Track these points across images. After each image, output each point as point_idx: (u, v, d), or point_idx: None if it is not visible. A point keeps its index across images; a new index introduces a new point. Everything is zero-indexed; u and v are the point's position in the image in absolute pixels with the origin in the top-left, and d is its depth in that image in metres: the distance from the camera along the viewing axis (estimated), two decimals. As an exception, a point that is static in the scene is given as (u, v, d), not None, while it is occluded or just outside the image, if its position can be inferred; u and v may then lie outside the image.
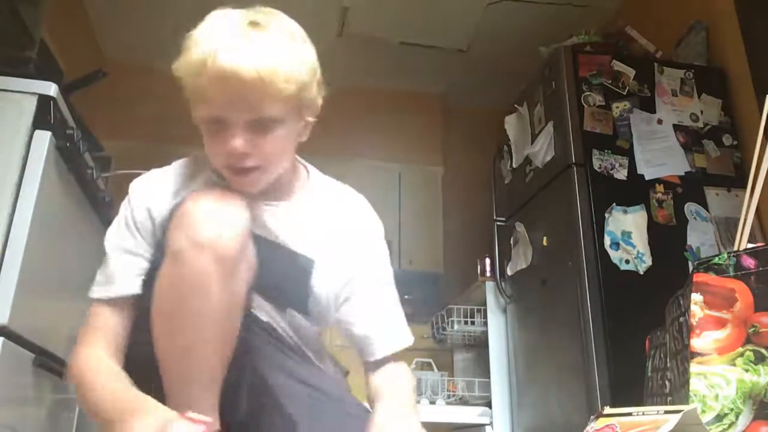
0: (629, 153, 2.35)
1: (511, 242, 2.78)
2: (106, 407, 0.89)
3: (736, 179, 2.38)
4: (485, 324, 2.88)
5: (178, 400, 0.89)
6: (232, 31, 0.93)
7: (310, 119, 1.05)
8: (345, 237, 1.12)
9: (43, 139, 1.53)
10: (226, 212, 0.92)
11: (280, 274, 1.02)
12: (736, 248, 1.41)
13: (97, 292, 1.02)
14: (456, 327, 3.01)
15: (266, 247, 1.01)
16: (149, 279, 0.97)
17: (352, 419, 0.99)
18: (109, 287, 1.00)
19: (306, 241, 1.07)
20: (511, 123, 2.88)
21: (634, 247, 2.21)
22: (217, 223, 0.90)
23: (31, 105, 1.54)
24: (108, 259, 1.03)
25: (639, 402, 1.62)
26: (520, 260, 2.65)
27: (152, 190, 1.06)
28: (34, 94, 1.56)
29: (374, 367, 1.12)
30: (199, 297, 0.88)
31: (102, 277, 1.03)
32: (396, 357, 1.14)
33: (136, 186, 1.07)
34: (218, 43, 0.91)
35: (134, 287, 1.00)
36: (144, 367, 0.93)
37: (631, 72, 2.48)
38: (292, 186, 1.11)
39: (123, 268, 1.01)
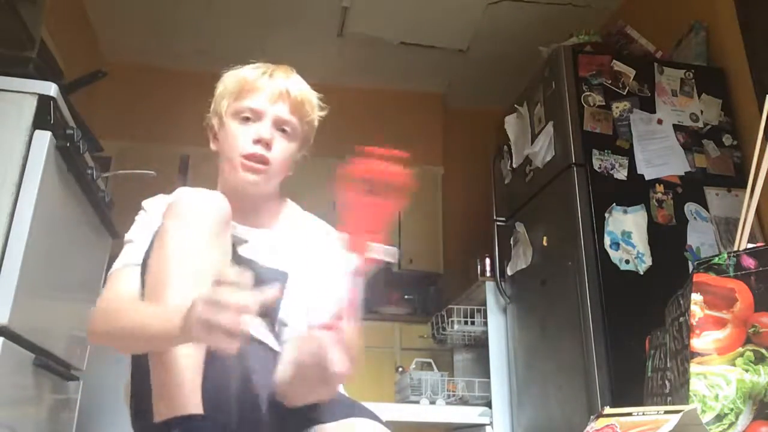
0: (629, 153, 2.35)
1: (511, 242, 2.78)
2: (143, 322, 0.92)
3: (736, 179, 2.38)
4: (485, 324, 2.88)
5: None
6: (280, 71, 1.21)
7: (304, 154, 1.27)
8: (316, 253, 1.19)
9: (43, 139, 1.53)
10: (204, 198, 1.02)
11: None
12: (736, 248, 1.41)
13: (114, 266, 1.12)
14: (456, 327, 3.01)
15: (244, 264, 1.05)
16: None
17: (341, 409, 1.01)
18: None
19: (281, 258, 1.14)
20: (511, 123, 2.88)
21: (634, 247, 2.21)
22: (195, 203, 1.01)
23: (31, 105, 1.54)
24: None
25: (639, 402, 1.62)
26: (520, 260, 2.65)
27: (160, 202, 1.19)
28: (34, 94, 1.56)
29: None
30: (179, 261, 0.94)
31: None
32: None
33: (148, 201, 1.21)
34: (273, 75, 1.18)
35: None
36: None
37: (631, 72, 2.48)
38: (274, 215, 1.25)
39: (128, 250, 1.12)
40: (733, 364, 1.23)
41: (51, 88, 1.58)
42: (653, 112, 2.44)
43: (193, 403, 0.89)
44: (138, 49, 3.95)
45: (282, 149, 1.17)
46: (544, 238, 2.48)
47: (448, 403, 2.84)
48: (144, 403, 0.94)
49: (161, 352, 0.92)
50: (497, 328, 2.82)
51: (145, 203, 1.21)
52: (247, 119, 1.16)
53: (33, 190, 1.49)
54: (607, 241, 2.20)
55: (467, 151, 4.25)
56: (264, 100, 1.16)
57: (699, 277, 1.31)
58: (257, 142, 1.14)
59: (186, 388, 0.90)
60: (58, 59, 2.69)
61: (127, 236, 1.16)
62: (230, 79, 1.20)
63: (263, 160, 1.15)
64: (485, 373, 2.83)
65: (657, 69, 2.52)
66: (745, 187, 1.58)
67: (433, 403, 2.81)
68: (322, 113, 1.25)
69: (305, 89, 1.20)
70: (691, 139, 2.43)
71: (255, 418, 0.97)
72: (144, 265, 1.02)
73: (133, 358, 1.01)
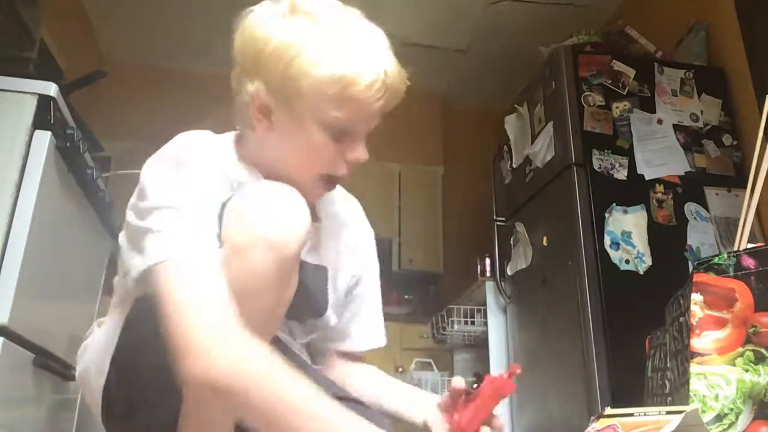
0: (629, 153, 2.35)
1: (511, 242, 2.78)
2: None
3: (736, 179, 2.39)
4: (485, 324, 2.88)
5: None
6: (380, 41, 0.99)
7: None
8: (350, 243, 1.14)
9: (43, 139, 1.53)
10: (294, 210, 0.85)
11: (301, 288, 0.97)
12: (736, 248, 1.41)
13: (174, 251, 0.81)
14: (456, 327, 3.01)
15: None
16: None
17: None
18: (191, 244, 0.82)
19: (319, 252, 1.07)
20: (511, 123, 2.87)
21: (634, 247, 2.21)
22: (285, 220, 0.83)
23: (31, 105, 1.54)
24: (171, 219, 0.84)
25: (639, 402, 1.62)
26: (520, 260, 2.65)
27: (211, 156, 0.95)
28: (34, 94, 1.56)
29: (349, 358, 1.16)
30: (256, 298, 0.81)
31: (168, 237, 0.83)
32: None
33: (197, 141, 0.96)
34: (382, 59, 0.95)
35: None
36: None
37: (631, 72, 2.48)
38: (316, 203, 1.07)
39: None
40: (733, 364, 1.23)
41: (51, 88, 1.58)
42: (653, 112, 2.44)
43: None
44: (138, 49, 3.94)
45: None
46: (544, 238, 2.48)
47: (448, 403, 2.83)
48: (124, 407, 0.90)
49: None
50: (497, 328, 2.82)
51: (195, 145, 0.95)
52: (341, 134, 0.93)
53: (33, 190, 1.49)
54: (607, 241, 2.20)
55: (467, 151, 4.25)
56: (368, 119, 0.94)
57: (699, 277, 1.31)
58: (354, 163, 0.96)
59: None
60: (58, 59, 2.70)
61: (170, 199, 0.84)
62: (328, 66, 0.88)
63: (343, 179, 0.98)
64: (485, 373, 2.83)
65: (657, 69, 2.52)
66: (745, 187, 1.58)
67: (433, 403, 2.80)
68: None
69: (404, 79, 0.99)
70: (691, 139, 2.43)
71: None
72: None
73: (122, 358, 0.93)
